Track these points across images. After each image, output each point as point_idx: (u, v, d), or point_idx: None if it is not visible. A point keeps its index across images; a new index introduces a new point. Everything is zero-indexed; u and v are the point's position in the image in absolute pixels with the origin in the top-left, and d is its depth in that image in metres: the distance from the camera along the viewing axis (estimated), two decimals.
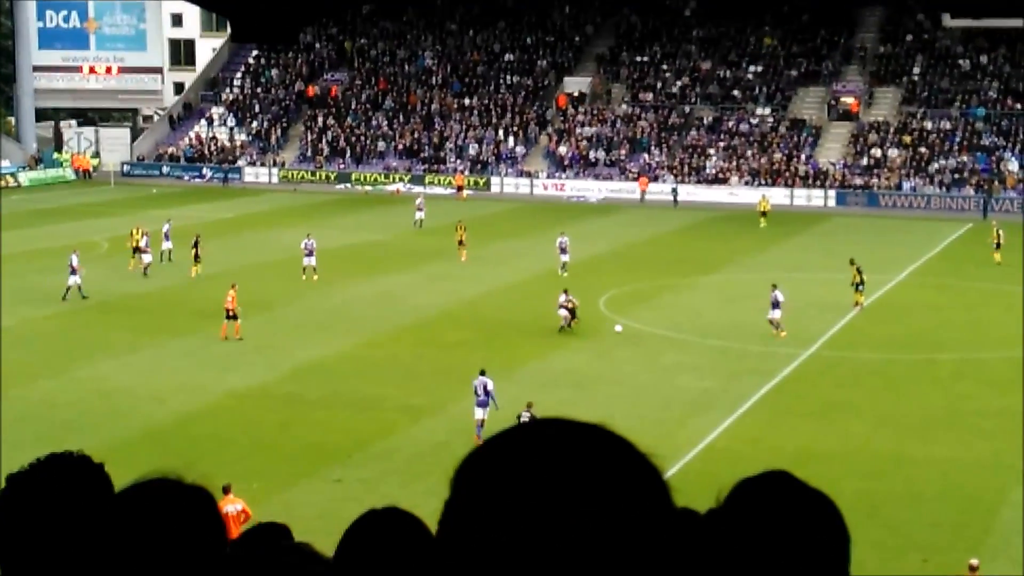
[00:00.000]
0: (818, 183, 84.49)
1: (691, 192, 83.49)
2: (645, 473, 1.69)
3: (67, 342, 41.28)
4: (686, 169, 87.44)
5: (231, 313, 41.49)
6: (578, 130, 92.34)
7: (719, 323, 44.43)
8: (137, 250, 52.83)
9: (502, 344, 40.95)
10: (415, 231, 66.66)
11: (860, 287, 47.17)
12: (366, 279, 52.10)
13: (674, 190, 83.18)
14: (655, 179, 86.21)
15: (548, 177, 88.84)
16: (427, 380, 36.47)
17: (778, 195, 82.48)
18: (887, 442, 31.34)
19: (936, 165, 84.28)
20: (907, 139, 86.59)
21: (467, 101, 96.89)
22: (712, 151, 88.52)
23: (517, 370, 37.06)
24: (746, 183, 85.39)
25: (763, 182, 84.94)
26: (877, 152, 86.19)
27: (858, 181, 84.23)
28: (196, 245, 52.22)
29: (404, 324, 43.93)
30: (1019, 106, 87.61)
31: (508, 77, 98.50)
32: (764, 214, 70.36)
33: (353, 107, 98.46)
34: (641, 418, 31.96)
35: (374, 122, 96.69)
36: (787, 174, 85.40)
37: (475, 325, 43.88)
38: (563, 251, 54.12)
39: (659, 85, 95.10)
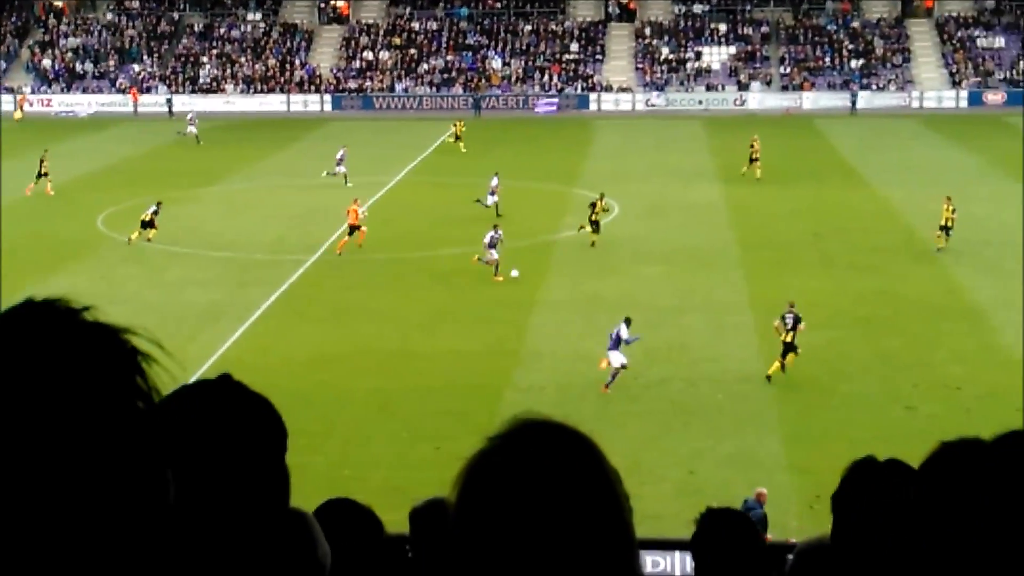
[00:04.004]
0: (313, 88, 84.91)
1: (186, 102, 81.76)
2: None
3: None
4: (180, 79, 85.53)
5: (353, 227, 41.37)
6: (62, 41, 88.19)
7: (223, 234, 44.01)
8: None
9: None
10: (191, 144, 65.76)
11: (588, 226, 42.10)
12: None
13: (168, 100, 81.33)
14: (148, 90, 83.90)
15: (33, 93, 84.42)
16: None
17: (275, 102, 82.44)
18: (395, 339, 32.21)
19: (426, 66, 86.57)
20: (396, 41, 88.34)
21: None
22: (205, 59, 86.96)
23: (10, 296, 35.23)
24: (242, 91, 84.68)
25: (259, 89, 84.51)
26: (369, 55, 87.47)
27: (352, 84, 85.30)
28: None
29: None
30: (499, 5, 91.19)
31: None
32: (458, 137, 65.12)
33: None
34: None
35: None
36: (282, 80, 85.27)
37: None
38: (339, 162, 53.42)
39: None
